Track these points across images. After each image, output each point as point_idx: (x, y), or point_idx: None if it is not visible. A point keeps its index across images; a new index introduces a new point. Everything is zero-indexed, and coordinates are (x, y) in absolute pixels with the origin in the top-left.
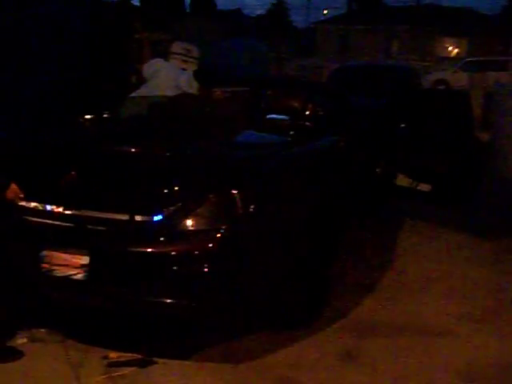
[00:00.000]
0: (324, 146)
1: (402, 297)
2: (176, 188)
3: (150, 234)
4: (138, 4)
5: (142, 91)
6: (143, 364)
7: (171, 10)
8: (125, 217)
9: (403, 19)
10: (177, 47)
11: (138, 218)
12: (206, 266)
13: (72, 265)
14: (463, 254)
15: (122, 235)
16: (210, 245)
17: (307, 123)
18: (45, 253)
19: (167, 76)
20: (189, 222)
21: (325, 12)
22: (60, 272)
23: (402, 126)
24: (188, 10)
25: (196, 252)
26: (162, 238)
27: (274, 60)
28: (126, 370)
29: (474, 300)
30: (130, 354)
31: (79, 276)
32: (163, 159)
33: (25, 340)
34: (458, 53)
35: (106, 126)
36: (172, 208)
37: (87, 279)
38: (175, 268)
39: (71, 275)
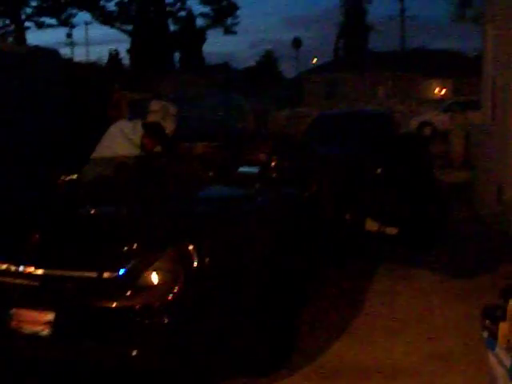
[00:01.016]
0: (286, 197)
1: (372, 339)
2: (135, 245)
3: (111, 288)
4: (127, 62)
5: (96, 151)
6: None
7: (160, 67)
8: (86, 273)
9: (389, 64)
10: (155, 105)
11: (98, 274)
12: (166, 318)
13: (38, 321)
14: (435, 294)
15: (83, 291)
16: (168, 297)
17: (273, 175)
18: (13, 311)
19: (114, 129)
20: (148, 276)
21: (314, 61)
22: (28, 329)
23: (377, 171)
24: (178, 66)
25: (156, 305)
26: (122, 293)
27: (257, 112)
28: None
29: (444, 340)
30: None
31: (45, 332)
32: (123, 217)
33: None
34: (443, 95)
35: (71, 187)
36: (132, 263)
37: (52, 335)
38: (136, 321)
39: (38, 332)
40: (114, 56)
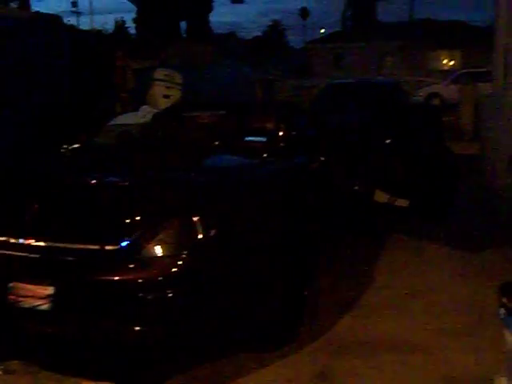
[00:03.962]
0: (293, 167)
1: (381, 313)
2: (138, 216)
3: (113, 261)
4: (133, 31)
5: (112, 120)
6: None
7: (166, 36)
8: (87, 246)
9: (397, 35)
10: (159, 74)
11: (100, 246)
12: (169, 291)
13: (37, 295)
14: (446, 267)
15: (84, 264)
16: (172, 270)
17: (281, 144)
18: (12, 284)
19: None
20: (151, 249)
21: (322, 31)
22: (26, 303)
23: (387, 141)
24: (185, 35)
25: (159, 278)
26: (124, 266)
27: (264, 82)
28: None
29: (455, 315)
30: (102, 383)
31: (44, 306)
32: (124, 188)
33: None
34: (452, 65)
35: (74, 156)
36: (134, 235)
37: (52, 309)
38: (139, 295)
39: (37, 306)
40: (120, 25)
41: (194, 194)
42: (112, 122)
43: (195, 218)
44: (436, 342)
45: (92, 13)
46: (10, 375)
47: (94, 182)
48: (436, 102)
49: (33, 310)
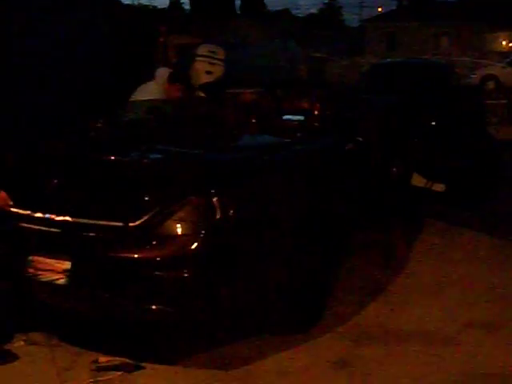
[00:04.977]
0: (325, 146)
1: (409, 301)
2: (156, 192)
3: (130, 238)
4: (187, 7)
5: (133, 96)
6: (131, 369)
7: (220, 12)
8: (105, 222)
9: (454, 15)
10: (202, 49)
11: (117, 223)
12: (186, 271)
13: (55, 270)
14: (481, 256)
15: (101, 240)
16: (189, 249)
17: (316, 124)
18: (31, 258)
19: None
20: (169, 227)
21: (379, 10)
22: (44, 277)
23: (430, 124)
24: (239, 12)
25: (175, 257)
26: (142, 243)
27: (314, 60)
28: (114, 375)
29: (486, 307)
30: (119, 359)
31: (61, 281)
32: (145, 163)
33: (22, 343)
34: (510, 47)
35: (99, 132)
36: (152, 212)
37: (69, 284)
38: (155, 273)
39: (54, 280)
40: (175, 0)
41: (213, 172)
42: (133, 97)
43: (214, 198)
44: (466, 335)
45: None
46: (31, 346)
47: (115, 158)
48: (491, 84)
49: (50, 284)
